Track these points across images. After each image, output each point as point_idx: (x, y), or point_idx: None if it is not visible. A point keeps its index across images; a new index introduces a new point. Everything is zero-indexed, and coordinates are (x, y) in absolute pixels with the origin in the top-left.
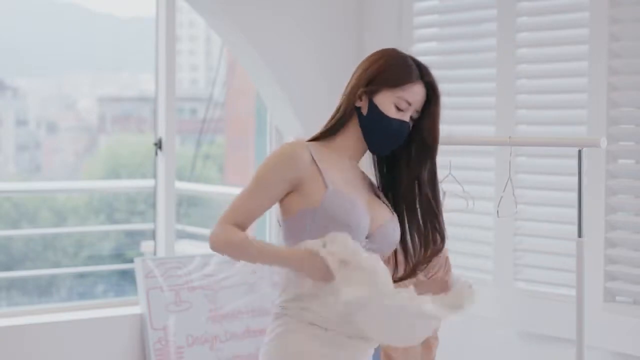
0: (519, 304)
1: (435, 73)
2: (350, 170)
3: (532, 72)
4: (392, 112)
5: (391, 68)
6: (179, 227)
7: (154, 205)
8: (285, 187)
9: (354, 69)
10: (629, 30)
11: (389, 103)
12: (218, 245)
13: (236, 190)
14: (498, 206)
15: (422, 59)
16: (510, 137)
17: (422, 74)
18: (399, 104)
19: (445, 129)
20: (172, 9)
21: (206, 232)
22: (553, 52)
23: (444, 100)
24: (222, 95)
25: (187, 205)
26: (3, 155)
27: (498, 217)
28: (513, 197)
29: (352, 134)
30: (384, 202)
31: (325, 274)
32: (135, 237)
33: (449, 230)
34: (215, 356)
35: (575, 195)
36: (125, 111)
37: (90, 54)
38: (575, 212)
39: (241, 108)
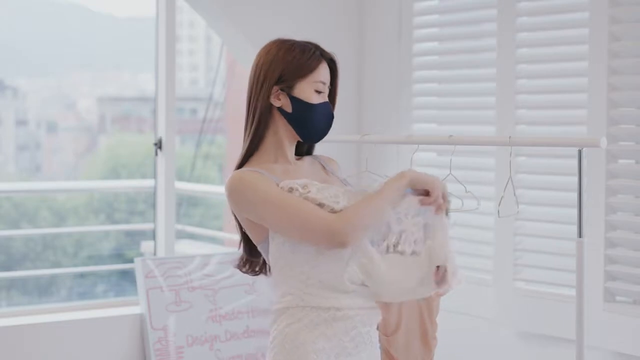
0: (519, 304)
1: (435, 73)
2: (299, 173)
3: (532, 72)
4: (315, 99)
5: (296, 58)
6: (179, 227)
7: (154, 205)
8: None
9: (354, 69)
10: (629, 30)
11: (309, 91)
12: (351, 231)
13: None
14: (499, 206)
15: (422, 59)
16: (510, 137)
17: (321, 52)
18: (317, 88)
19: (445, 129)
20: (172, 9)
21: (206, 232)
22: (553, 52)
23: (444, 100)
24: (222, 95)
25: (187, 205)
26: (3, 155)
27: (499, 217)
28: (514, 197)
29: (278, 136)
30: (342, 183)
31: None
32: (135, 237)
33: (450, 230)
34: (215, 356)
35: (575, 195)
36: (125, 111)
37: (90, 54)
38: (575, 212)
39: (241, 108)
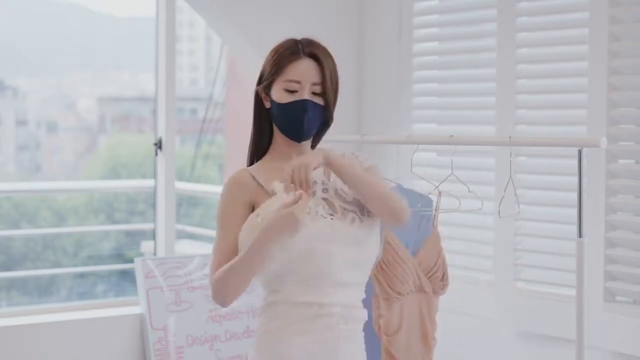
0: (519, 304)
1: (435, 73)
2: None
3: (532, 72)
4: (285, 98)
5: (272, 58)
6: (179, 227)
7: (154, 205)
8: (245, 212)
9: (354, 69)
10: (629, 30)
11: (280, 91)
12: (217, 295)
13: None
14: (499, 206)
15: (422, 59)
16: (510, 137)
17: (302, 48)
18: (287, 87)
19: (445, 129)
20: (172, 9)
21: (206, 232)
22: (553, 52)
23: (444, 100)
24: (222, 95)
25: (187, 205)
26: (3, 155)
27: (500, 217)
28: (515, 197)
29: (277, 135)
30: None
31: (293, 224)
32: (135, 237)
33: (450, 230)
34: (215, 356)
35: (575, 195)
36: (125, 111)
37: (90, 54)
38: (575, 212)
39: (241, 108)
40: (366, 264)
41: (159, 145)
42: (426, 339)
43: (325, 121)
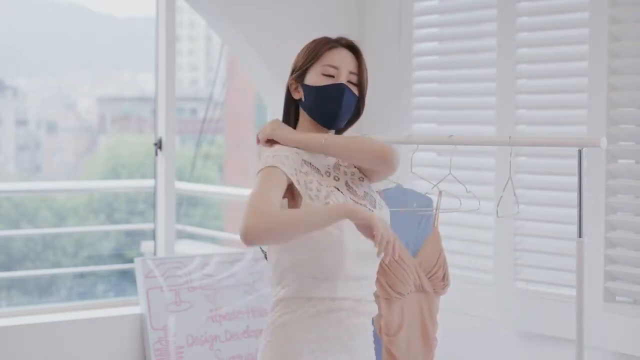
0: (519, 304)
1: (435, 73)
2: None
3: (532, 72)
4: (322, 81)
5: (307, 49)
6: (179, 227)
7: (154, 205)
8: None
9: None
10: (629, 30)
11: (317, 75)
12: (257, 226)
13: (236, 190)
14: (498, 206)
15: (422, 59)
16: (510, 137)
17: (339, 39)
18: (325, 71)
19: (445, 129)
20: (172, 9)
21: (206, 232)
22: (553, 52)
23: (444, 100)
24: (222, 95)
25: (187, 205)
26: (3, 155)
27: (498, 217)
28: (514, 197)
29: (307, 129)
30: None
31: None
32: (135, 237)
33: (450, 230)
34: (215, 356)
35: (575, 195)
36: (125, 111)
37: (90, 54)
38: (575, 212)
39: (241, 108)
40: (377, 257)
41: (159, 145)
42: (427, 339)
43: (355, 114)
